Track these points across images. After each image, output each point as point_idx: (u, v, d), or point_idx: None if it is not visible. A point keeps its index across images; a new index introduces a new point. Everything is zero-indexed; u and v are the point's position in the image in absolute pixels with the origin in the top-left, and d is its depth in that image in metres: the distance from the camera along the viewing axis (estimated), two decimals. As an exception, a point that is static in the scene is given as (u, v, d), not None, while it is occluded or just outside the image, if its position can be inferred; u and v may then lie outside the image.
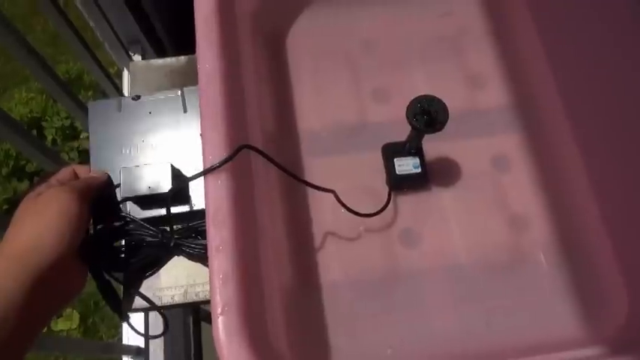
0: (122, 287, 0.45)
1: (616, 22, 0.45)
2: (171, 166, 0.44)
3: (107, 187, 0.45)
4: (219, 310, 0.33)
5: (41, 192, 0.40)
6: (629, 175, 0.45)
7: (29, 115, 1.46)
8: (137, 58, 0.88)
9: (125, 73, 0.91)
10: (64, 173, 0.45)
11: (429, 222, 0.50)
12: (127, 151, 0.48)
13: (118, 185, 0.44)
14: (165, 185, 0.44)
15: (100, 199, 0.43)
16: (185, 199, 0.46)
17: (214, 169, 0.36)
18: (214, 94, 0.38)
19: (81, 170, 0.46)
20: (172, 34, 0.78)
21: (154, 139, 0.48)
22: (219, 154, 0.36)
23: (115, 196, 0.45)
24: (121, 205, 0.45)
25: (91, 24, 0.83)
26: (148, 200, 0.45)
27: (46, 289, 0.35)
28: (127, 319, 0.45)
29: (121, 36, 0.86)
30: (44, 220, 0.37)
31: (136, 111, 0.49)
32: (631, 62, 0.44)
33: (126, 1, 0.75)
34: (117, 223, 0.44)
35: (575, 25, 0.50)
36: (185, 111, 0.49)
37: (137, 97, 0.49)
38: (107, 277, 0.44)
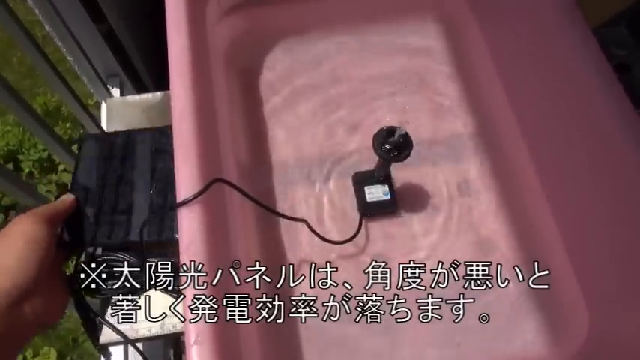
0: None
1: (563, 52, 0.48)
2: None
3: (75, 209, 0.47)
4: (192, 340, 0.34)
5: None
6: (586, 198, 0.47)
7: (5, 149, 1.45)
8: (115, 91, 0.89)
9: (103, 106, 0.92)
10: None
11: (399, 247, 0.52)
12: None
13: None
14: None
15: (73, 223, 0.45)
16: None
17: (187, 202, 0.37)
18: (187, 129, 0.40)
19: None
20: (151, 68, 0.79)
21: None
22: (192, 188, 0.38)
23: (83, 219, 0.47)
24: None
25: (69, 58, 0.85)
26: None
27: (21, 311, 0.37)
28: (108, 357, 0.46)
29: (99, 69, 0.87)
30: (10, 247, 0.38)
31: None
32: (580, 88, 0.46)
33: (103, 36, 0.77)
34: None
35: (530, 58, 0.53)
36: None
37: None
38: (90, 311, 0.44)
